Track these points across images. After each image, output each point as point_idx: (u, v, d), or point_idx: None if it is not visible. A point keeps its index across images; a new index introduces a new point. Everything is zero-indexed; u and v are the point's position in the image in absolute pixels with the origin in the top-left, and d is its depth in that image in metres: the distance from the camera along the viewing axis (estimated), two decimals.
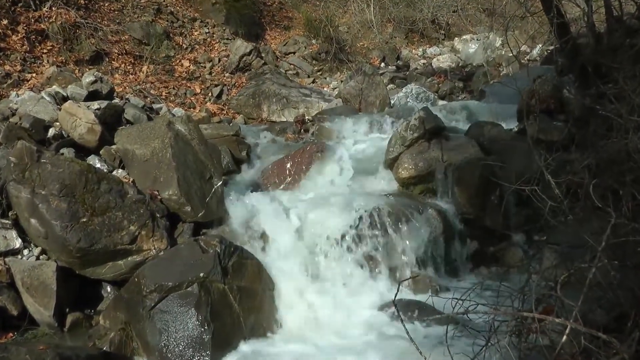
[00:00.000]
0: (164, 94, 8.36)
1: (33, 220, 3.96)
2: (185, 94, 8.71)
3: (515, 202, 4.66)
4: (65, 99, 5.37)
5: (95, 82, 5.82)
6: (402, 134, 5.30)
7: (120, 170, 4.65)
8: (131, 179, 4.51)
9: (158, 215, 4.22)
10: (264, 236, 4.51)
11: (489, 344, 2.28)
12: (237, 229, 4.48)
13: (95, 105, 5.24)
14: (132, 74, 8.40)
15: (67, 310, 3.97)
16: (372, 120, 6.95)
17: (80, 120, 4.73)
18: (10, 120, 4.90)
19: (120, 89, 7.50)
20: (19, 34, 7.44)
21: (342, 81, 9.89)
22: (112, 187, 4.13)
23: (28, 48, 7.39)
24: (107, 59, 8.24)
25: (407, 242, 4.48)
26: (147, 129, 4.72)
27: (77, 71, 7.46)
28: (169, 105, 7.71)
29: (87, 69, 7.44)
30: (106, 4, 9.10)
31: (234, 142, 6.12)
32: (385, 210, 4.59)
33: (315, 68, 10.79)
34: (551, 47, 8.37)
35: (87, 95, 5.57)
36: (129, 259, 4.07)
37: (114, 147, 4.80)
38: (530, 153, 3.52)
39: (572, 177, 2.82)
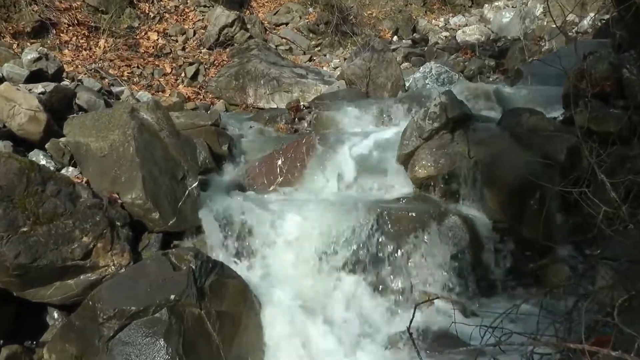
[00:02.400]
0: (125, 74, 8.34)
1: None
2: (153, 74, 8.70)
3: (560, 208, 4.65)
4: (0, 80, 5.35)
5: (38, 59, 5.80)
6: (419, 124, 5.29)
7: (71, 169, 4.64)
8: (85, 179, 4.50)
9: (118, 223, 4.21)
10: (249, 250, 4.51)
11: None
12: (217, 240, 4.48)
13: (39, 88, 5.22)
14: (86, 50, 8.38)
15: (1, 342, 3.94)
16: (382, 106, 6.93)
17: (20, 106, 4.71)
18: None
19: (71, 69, 7.48)
20: None
21: (345, 59, 9.89)
22: (61, 189, 4.10)
23: None
24: (55, 31, 8.21)
25: (425, 257, 4.48)
26: (105, 118, 4.70)
27: (15, 46, 7.43)
28: (132, 89, 7.70)
29: (28, 44, 7.42)
30: None
31: (213, 133, 6.11)
32: (398, 217, 4.58)
33: (313, 43, 10.79)
34: (606, 16, 8.36)
35: (28, 76, 5.55)
36: (82, 277, 4.05)
37: (63, 139, 4.78)
38: (579, 147, 3.50)
39: (632, 176, 2.80)
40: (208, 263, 3.95)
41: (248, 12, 10.91)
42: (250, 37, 9.95)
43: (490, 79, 8.78)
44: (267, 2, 11.52)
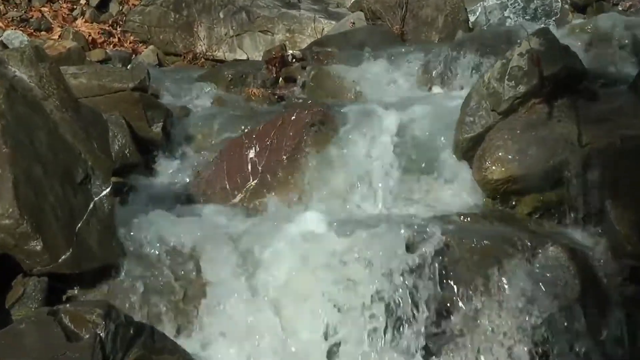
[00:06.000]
0: None
1: None
2: (30, 1, 8.71)
3: None
4: None
5: None
6: (492, 88, 5.33)
7: None
8: None
9: None
10: (197, 304, 4.55)
11: None
12: (143, 288, 4.51)
13: None
14: None
15: None
16: (428, 57, 7.00)
17: None
18: None
19: None
20: None
21: None
22: None
23: None
24: None
25: (506, 315, 4.49)
26: None
27: None
28: None
29: None
30: None
31: (137, 104, 6.12)
32: (460, 248, 4.63)
33: None
34: None
35: None
36: None
37: None
38: None
39: None
40: (128, 328, 3.94)
41: None
42: None
43: (620, 8, 8.77)
44: None
